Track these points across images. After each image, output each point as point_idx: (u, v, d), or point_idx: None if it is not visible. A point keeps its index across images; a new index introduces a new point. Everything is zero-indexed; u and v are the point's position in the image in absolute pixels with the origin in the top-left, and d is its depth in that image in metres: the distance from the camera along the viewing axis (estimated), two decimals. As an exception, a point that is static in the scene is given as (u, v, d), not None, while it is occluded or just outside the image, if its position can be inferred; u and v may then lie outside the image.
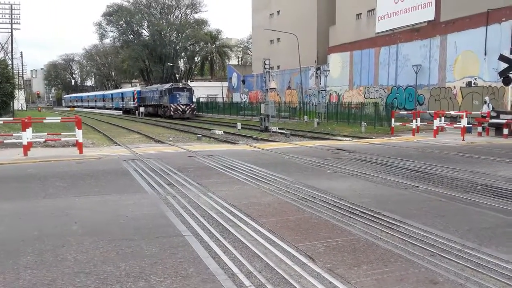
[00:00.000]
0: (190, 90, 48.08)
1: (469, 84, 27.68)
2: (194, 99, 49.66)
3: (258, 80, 53.46)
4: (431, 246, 4.82)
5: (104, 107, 78.38)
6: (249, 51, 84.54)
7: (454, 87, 28.82)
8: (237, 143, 18.66)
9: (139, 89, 60.60)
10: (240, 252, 4.63)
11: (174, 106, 45.83)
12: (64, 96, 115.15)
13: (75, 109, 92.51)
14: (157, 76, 75.15)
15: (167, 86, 48.83)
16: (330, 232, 5.32)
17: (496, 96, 25.51)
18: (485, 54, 26.36)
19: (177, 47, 77.16)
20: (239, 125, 28.01)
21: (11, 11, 49.61)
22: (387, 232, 5.30)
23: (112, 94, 75.60)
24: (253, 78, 56.84)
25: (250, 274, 4.04)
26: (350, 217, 5.98)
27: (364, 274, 4.06)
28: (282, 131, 24.02)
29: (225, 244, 4.89)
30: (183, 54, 79.21)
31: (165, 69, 74.17)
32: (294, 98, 47.17)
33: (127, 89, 71.67)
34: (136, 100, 58.75)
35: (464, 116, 18.17)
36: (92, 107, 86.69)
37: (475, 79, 27.23)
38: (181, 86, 48.76)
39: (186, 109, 46.32)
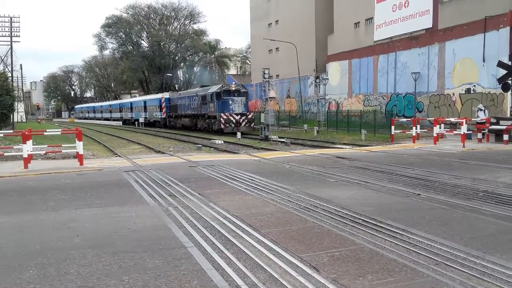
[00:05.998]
0: (246, 94, 35.13)
1: (468, 90, 27.74)
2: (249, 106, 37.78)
3: (257, 89, 53.59)
4: (436, 255, 4.80)
5: (120, 119, 67.02)
6: (248, 61, 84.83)
7: (453, 94, 28.89)
8: (238, 153, 18.64)
9: (167, 96, 49.41)
10: (243, 263, 4.61)
11: (225, 117, 32.65)
12: (75, 107, 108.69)
13: (76, 120, 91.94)
14: (156, 86, 75.25)
15: (214, 89, 35.07)
16: (334, 242, 5.29)
17: (495, 102, 25.56)
18: (484, 60, 26.45)
19: (176, 58, 77.42)
20: (239, 135, 27.99)
21: (11, 24, 49.68)
22: (391, 241, 5.28)
23: (131, 103, 63.81)
24: (252, 87, 56.97)
25: (254, 286, 4.01)
26: (353, 226, 5.96)
27: (369, 284, 4.03)
28: (282, 140, 24.01)
29: (228, 255, 4.86)
30: (182, 64, 79.43)
31: (164, 79, 74.29)
32: (294, 107, 47.24)
33: (151, 96, 60.21)
34: (164, 110, 48.73)
35: (464, 122, 18.20)
36: (106, 119, 75.10)
37: (474, 85, 27.30)
38: (233, 88, 34.72)
39: (241, 120, 33.03)
